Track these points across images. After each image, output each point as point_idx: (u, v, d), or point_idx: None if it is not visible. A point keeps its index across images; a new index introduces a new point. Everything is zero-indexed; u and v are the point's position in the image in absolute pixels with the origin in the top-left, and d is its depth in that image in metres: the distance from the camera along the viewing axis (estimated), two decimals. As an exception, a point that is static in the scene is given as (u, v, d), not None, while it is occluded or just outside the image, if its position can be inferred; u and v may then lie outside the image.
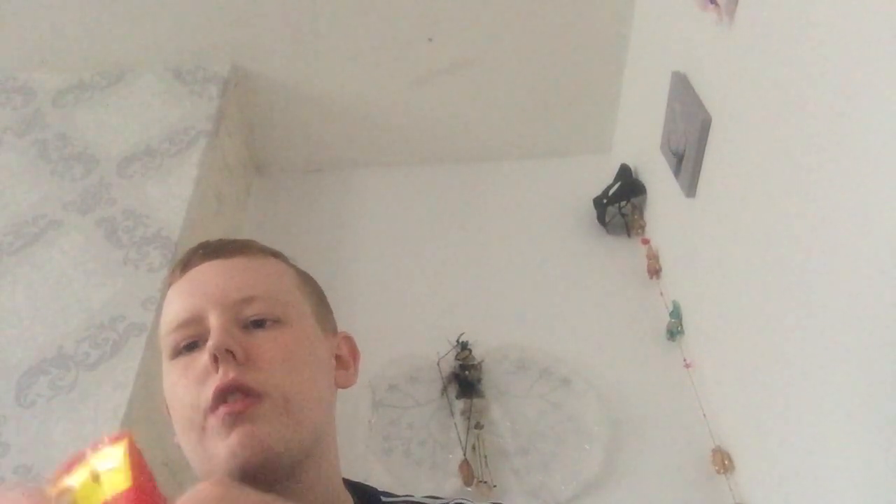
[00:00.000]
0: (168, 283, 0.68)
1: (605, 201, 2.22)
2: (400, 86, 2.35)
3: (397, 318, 2.02)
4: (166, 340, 0.63)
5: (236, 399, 0.56)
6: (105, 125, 2.05)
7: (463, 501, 0.71)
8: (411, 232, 2.31)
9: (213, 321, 0.60)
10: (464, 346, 1.92)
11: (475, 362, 1.90)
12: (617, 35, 2.23)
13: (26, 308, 1.54)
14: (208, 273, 0.64)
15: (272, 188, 2.48)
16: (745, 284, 1.55)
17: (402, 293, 2.10)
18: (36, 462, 1.28)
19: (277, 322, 0.62)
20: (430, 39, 2.24)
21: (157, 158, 1.91)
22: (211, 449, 0.56)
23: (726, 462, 1.65)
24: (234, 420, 0.56)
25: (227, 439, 0.55)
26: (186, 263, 0.67)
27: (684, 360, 1.88)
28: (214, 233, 1.93)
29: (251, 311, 0.61)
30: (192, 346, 0.61)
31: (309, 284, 0.71)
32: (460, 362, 1.89)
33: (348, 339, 0.74)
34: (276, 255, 0.71)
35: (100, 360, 1.44)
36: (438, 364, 1.90)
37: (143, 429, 1.41)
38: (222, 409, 0.56)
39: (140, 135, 2.00)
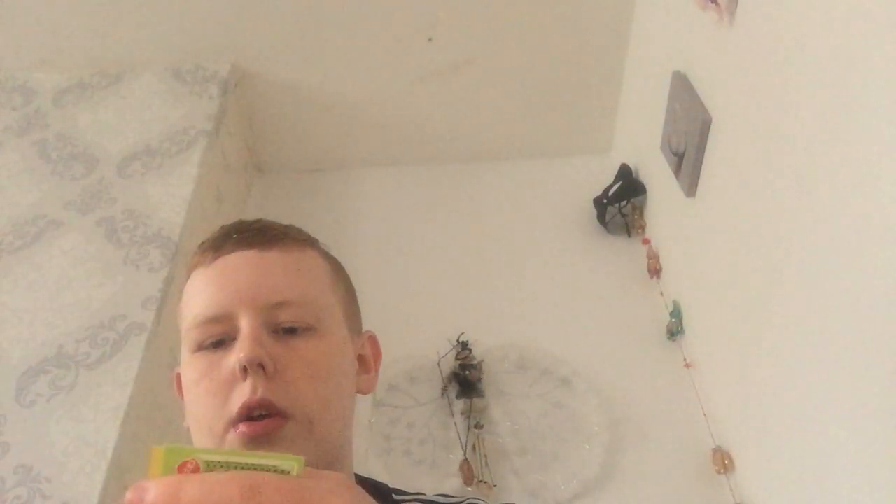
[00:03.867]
0: (194, 264, 0.65)
1: (605, 201, 2.22)
2: (400, 86, 2.35)
3: (397, 318, 2.01)
4: (191, 333, 0.60)
5: (260, 417, 0.55)
6: (105, 125, 2.04)
7: (476, 501, 0.70)
8: (411, 232, 2.31)
9: (244, 325, 0.58)
10: (464, 346, 1.92)
11: (475, 362, 1.90)
12: (617, 35, 2.23)
13: (26, 308, 1.54)
14: (242, 267, 0.61)
15: (272, 188, 2.48)
16: (745, 284, 1.55)
17: (401, 293, 2.10)
18: (36, 462, 1.28)
19: (309, 329, 0.60)
20: (430, 39, 2.24)
21: (157, 158, 1.91)
22: None
23: (726, 462, 1.65)
24: (255, 442, 0.54)
25: None
26: (219, 248, 0.63)
27: (684, 359, 1.88)
28: (214, 233, 1.93)
29: (284, 317, 0.59)
30: (218, 342, 0.59)
31: (342, 280, 0.69)
32: (460, 362, 1.89)
33: (373, 340, 0.73)
34: (312, 244, 0.68)
35: (100, 360, 1.44)
36: (438, 364, 1.90)
37: (144, 429, 1.41)
38: (243, 428, 0.54)
39: (140, 134, 2.00)
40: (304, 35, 2.22)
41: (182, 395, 0.63)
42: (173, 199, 1.79)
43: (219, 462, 0.34)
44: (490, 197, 2.41)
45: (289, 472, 0.34)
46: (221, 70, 2.21)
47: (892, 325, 1.06)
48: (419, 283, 2.14)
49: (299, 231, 0.69)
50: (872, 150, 1.08)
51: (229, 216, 2.12)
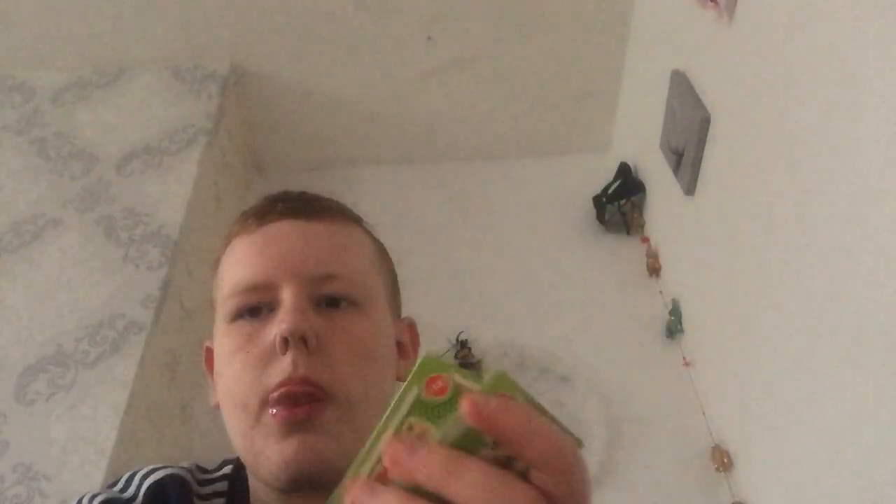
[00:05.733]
0: (234, 233, 0.62)
1: (604, 199, 2.22)
2: (400, 85, 2.35)
3: (397, 317, 2.01)
4: (229, 301, 0.57)
5: (298, 399, 0.52)
6: (104, 123, 2.04)
7: None
8: (411, 231, 2.31)
9: (287, 296, 0.55)
10: (463, 345, 1.93)
11: (475, 361, 1.90)
12: (617, 34, 2.23)
13: (26, 306, 1.54)
14: (288, 235, 0.58)
15: (272, 186, 2.43)
16: (744, 283, 1.55)
17: (401, 292, 2.10)
18: (35, 460, 1.28)
19: (354, 304, 0.57)
20: (430, 38, 2.24)
21: (156, 157, 1.91)
22: (262, 446, 0.52)
23: (725, 460, 1.65)
24: (293, 428, 0.51)
25: (283, 444, 0.51)
26: (264, 216, 0.60)
27: (683, 358, 1.88)
28: (214, 232, 1.93)
29: (329, 290, 0.56)
30: (255, 310, 0.56)
31: (385, 260, 0.67)
32: (460, 361, 1.89)
33: (412, 327, 0.70)
34: (357, 221, 0.66)
35: (99, 359, 1.44)
36: (438, 362, 1.90)
37: (143, 427, 1.41)
38: (282, 413, 0.51)
39: (139, 133, 2.00)
40: (304, 34, 2.22)
41: (211, 371, 0.61)
42: (172, 197, 1.79)
43: (468, 388, 0.32)
44: (490, 196, 2.41)
45: None
46: (221, 69, 2.21)
47: (892, 324, 1.06)
48: (418, 281, 2.13)
49: (345, 206, 0.66)
50: (871, 148, 1.08)
51: (229, 215, 2.12)
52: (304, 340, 0.52)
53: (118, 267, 1.62)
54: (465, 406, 0.30)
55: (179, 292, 1.64)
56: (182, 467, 0.60)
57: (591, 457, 1.72)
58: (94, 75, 2.21)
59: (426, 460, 0.29)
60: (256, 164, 2.51)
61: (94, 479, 1.25)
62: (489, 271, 2.17)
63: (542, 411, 0.32)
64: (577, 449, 0.31)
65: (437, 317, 2.01)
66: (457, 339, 1.93)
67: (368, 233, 0.66)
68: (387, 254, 0.68)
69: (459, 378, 0.32)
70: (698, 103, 1.65)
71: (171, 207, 1.76)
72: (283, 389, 0.52)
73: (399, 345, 0.65)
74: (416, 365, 0.32)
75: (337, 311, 0.56)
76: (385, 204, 2.41)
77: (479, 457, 0.30)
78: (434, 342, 1.92)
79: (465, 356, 1.90)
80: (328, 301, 0.56)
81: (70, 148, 1.96)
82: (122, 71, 2.22)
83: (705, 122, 1.62)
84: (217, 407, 0.58)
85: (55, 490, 1.24)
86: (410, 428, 0.32)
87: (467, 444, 0.30)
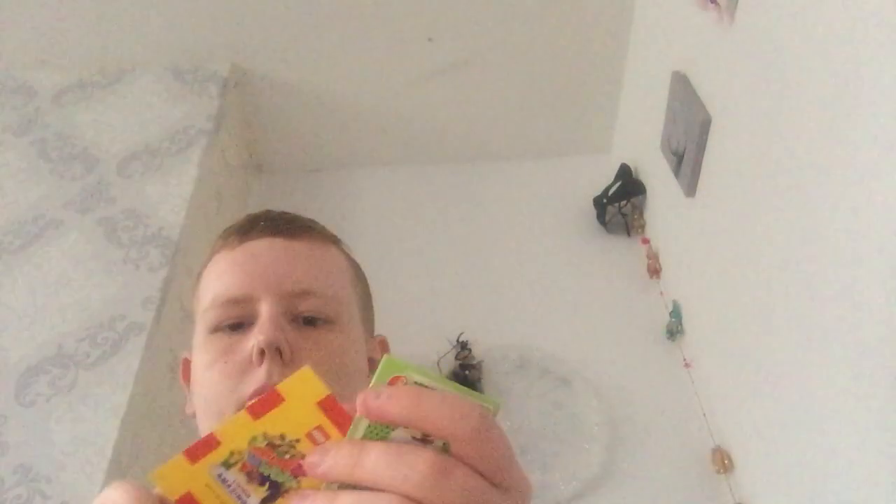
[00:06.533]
0: (217, 248, 0.65)
1: (605, 201, 2.22)
2: (400, 86, 2.35)
3: (396, 318, 2.00)
4: (209, 314, 0.59)
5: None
6: (105, 124, 2.04)
7: None
8: (411, 232, 2.31)
9: (265, 310, 0.57)
10: (464, 346, 1.92)
11: (475, 362, 1.90)
12: (617, 35, 2.23)
13: (26, 307, 1.54)
14: (268, 252, 0.61)
15: (272, 188, 2.48)
16: (745, 284, 1.55)
17: (401, 293, 2.10)
18: (35, 462, 1.28)
19: (328, 322, 0.60)
20: (430, 39, 2.24)
21: (157, 158, 1.91)
22: None
23: (726, 462, 1.65)
24: None
25: None
26: (245, 233, 0.63)
27: (684, 359, 1.88)
28: (215, 232, 1.93)
29: (305, 307, 0.59)
30: (236, 325, 0.58)
31: (360, 281, 0.69)
32: (460, 362, 1.89)
33: (384, 344, 0.72)
34: (335, 241, 0.68)
35: (99, 360, 1.44)
36: (438, 364, 1.90)
37: (143, 428, 1.41)
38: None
39: (140, 134, 2.00)
40: (304, 35, 2.22)
41: (187, 381, 0.62)
42: (173, 198, 1.79)
43: (426, 386, 0.33)
44: (490, 197, 2.41)
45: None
46: (221, 70, 2.21)
47: (892, 324, 1.06)
48: (419, 282, 2.14)
49: (324, 227, 0.69)
50: (872, 149, 1.08)
51: (229, 216, 2.12)
52: (279, 352, 0.55)
53: (119, 268, 1.62)
54: (356, 404, 0.32)
55: (180, 293, 1.64)
56: None
57: (592, 458, 1.72)
58: (95, 76, 2.21)
59: (334, 459, 0.32)
60: (257, 164, 2.51)
61: (94, 480, 1.25)
62: (489, 272, 2.17)
63: (444, 383, 0.33)
64: (483, 411, 0.32)
65: (437, 318, 2.01)
66: (457, 341, 1.93)
67: (345, 253, 0.69)
68: (362, 273, 0.71)
69: (418, 377, 0.34)
70: (699, 105, 1.65)
71: (172, 208, 1.76)
72: (258, 398, 0.54)
73: (371, 361, 0.67)
74: (384, 365, 0.34)
75: (312, 327, 0.59)
76: (385, 205, 2.41)
77: (390, 439, 0.32)
78: (434, 343, 1.92)
79: (465, 357, 1.90)
80: (304, 318, 0.59)
81: (71, 149, 1.96)
82: (123, 72, 2.22)
83: (706, 124, 1.62)
84: (193, 416, 0.61)
85: (56, 491, 1.24)
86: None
87: (375, 435, 0.33)
